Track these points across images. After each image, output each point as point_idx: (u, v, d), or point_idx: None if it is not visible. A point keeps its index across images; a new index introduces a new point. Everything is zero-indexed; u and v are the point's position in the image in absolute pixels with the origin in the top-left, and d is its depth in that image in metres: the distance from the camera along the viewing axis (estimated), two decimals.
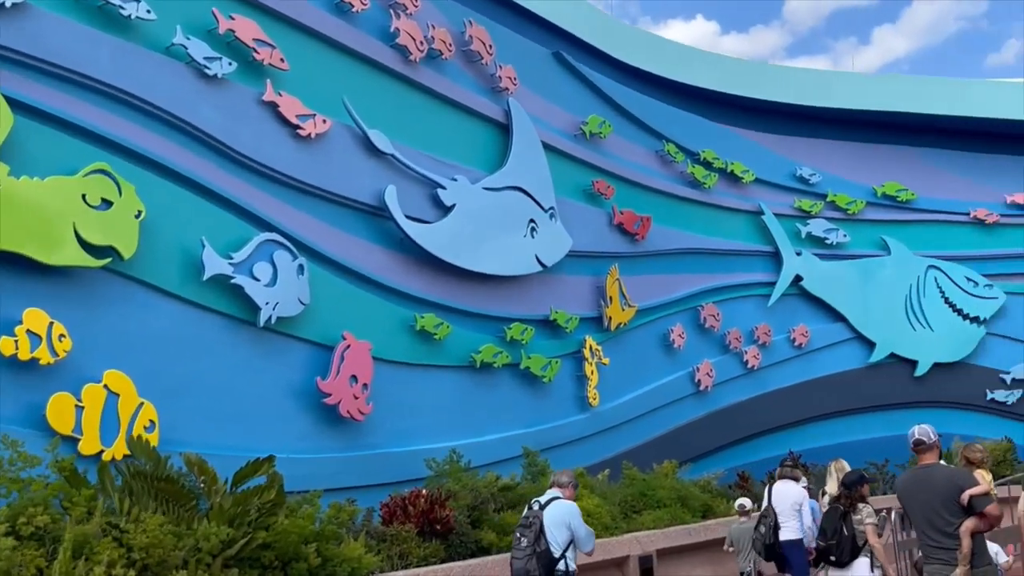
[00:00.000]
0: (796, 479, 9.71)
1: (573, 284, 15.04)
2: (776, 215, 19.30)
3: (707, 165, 18.30)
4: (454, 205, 12.68)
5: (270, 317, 10.12)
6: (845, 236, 19.91)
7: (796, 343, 19.08)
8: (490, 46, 13.85)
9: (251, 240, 10.12)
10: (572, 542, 6.41)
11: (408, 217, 12.05)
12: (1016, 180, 20.75)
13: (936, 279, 20.33)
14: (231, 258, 9.89)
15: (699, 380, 17.16)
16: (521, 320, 13.63)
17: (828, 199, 19.98)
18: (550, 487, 6.69)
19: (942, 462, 6.59)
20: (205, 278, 9.64)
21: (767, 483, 10.14)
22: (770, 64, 19.68)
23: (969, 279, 20.37)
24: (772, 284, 19.02)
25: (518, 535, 6.29)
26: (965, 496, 5.97)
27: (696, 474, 14.69)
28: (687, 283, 17.54)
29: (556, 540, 6.24)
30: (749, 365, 18.19)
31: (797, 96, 19.41)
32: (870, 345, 19.86)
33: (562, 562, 6.27)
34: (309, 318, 10.67)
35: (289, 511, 8.01)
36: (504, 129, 14.09)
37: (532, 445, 12.72)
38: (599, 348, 15.07)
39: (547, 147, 14.79)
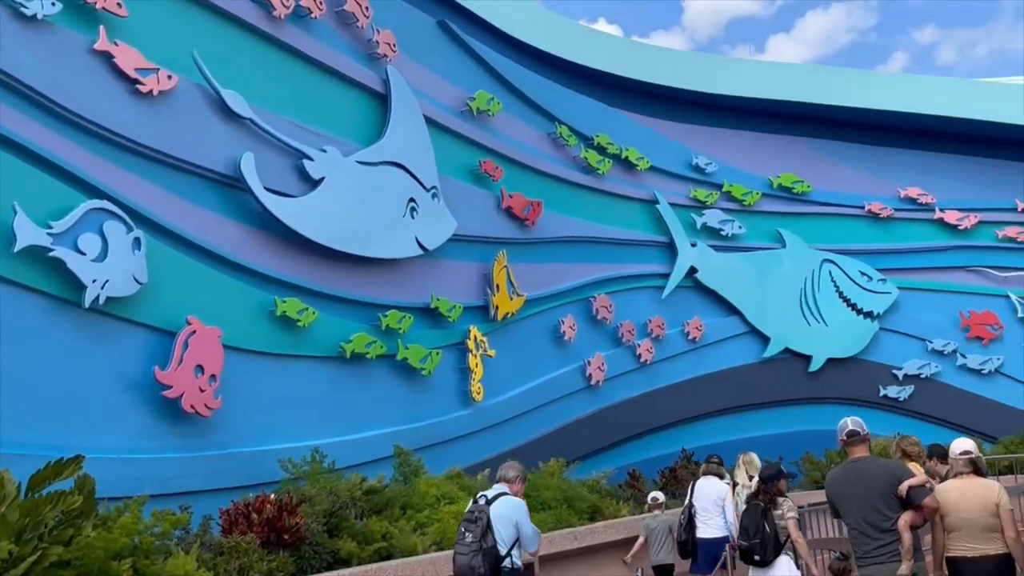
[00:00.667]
0: (721, 476, 9.62)
1: (457, 270, 14.01)
2: (671, 204, 18.64)
3: (601, 150, 17.50)
4: (322, 178, 11.48)
5: (97, 297, 8.75)
6: (740, 228, 19.39)
7: (690, 337, 18.45)
8: (366, 8, 12.69)
9: (76, 208, 8.76)
10: (518, 540, 6.32)
11: (268, 190, 10.80)
12: (910, 174, 20.60)
13: (831, 273, 20.01)
14: (50, 227, 8.51)
15: (590, 374, 16.33)
16: (398, 307, 12.51)
17: (724, 189, 19.44)
18: (496, 482, 6.48)
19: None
20: (17, 249, 8.25)
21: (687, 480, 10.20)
22: (666, 48, 19.03)
23: (863, 273, 20.11)
24: (666, 275, 18.35)
25: (462, 530, 6.15)
26: (904, 487, 5.88)
27: (585, 473, 13.84)
28: (579, 272, 16.70)
29: (503, 537, 6.13)
30: (642, 359, 17.46)
31: (693, 82, 18.80)
32: (764, 340, 19.38)
33: (508, 559, 6.17)
34: (147, 299, 9.33)
35: (101, 521, 6.74)
36: (382, 100, 12.94)
37: (409, 443, 11.64)
38: (484, 339, 14.06)
39: (430, 122, 13.71)
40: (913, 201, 20.53)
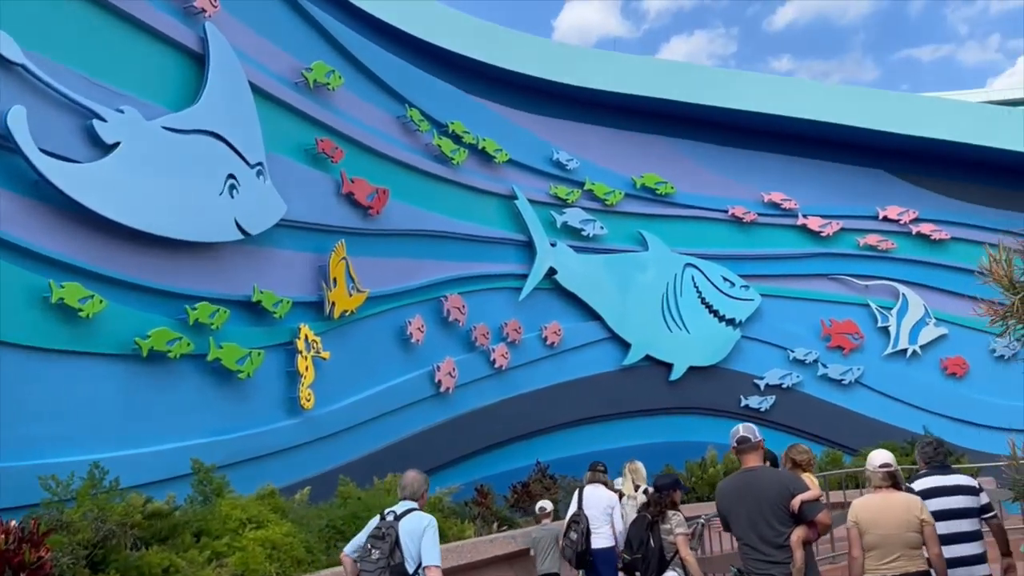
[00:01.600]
0: (607, 484, 9.50)
1: (287, 260, 12.38)
2: (530, 201, 17.49)
3: (456, 139, 16.18)
4: (117, 143, 9.70)
5: None
6: (602, 228, 18.41)
7: (548, 342, 17.29)
8: None
9: None
10: None
11: (46, 152, 8.98)
12: (774, 178, 20.09)
13: (693, 278, 19.25)
14: None
15: (439, 381, 14.93)
16: (212, 299, 10.78)
17: (586, 187, 18.43)
18: (401, 499, 6.08)
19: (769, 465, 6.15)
20: None
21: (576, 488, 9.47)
22: (529, 36, 17.91)
23: (726, 279, 19.43)
24: (524, 276, 17.16)
25: (368, 547, 5.87)
26: (796, 502, 5.55)
27: (430, 489, 12.39)
28: (429, 269, 15.30)
29: (411, 554, 5.84)
30: (497, 365, 16.18)
31: (556, 73, 17.75)
32: (625, 346, 18.43)
33: None
34: None
35: None
36: (198, 61, 11.22)
37: (220, 457, 9.96)
38: (318, 339, 12.47)
39: (258, 91, 12.08)
40: (776, 206, 20.02)
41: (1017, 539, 13.14)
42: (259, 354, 11.38)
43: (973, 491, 6.43)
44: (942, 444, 7.51)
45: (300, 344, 12.12)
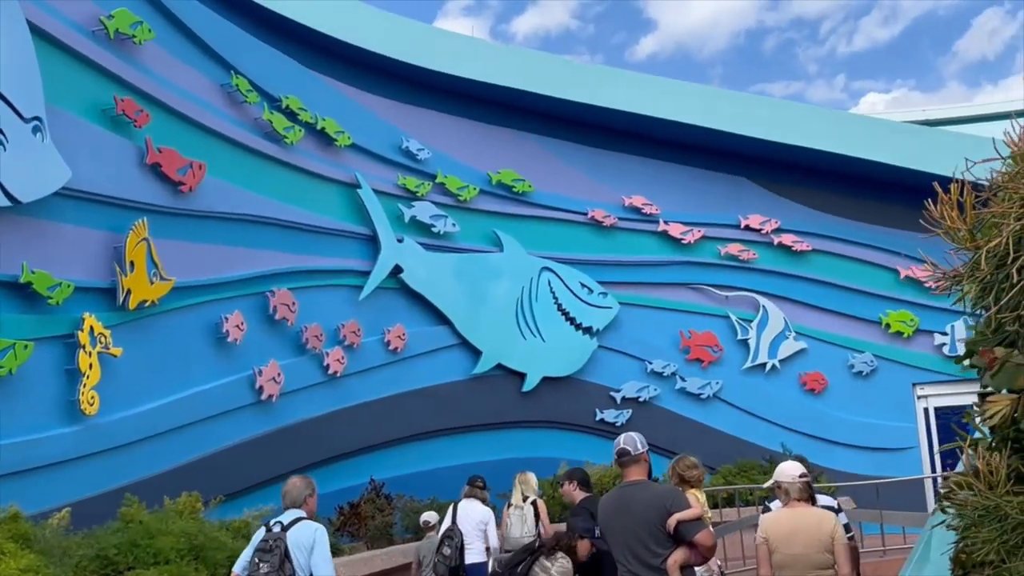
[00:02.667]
0: (484, 499, 9.50)
1: (71, 237, 10.41)
2: (376, 192, 15.89)
3: (291, 116, 14.46)
4: None
5: None
6: (455, 226, 16.97)
7: (391, 347, 15.69)
8: None
9: None
10: None
11: None
12: (635, 181, 19.11)
13: (550, 283, 18.02)
14: None
15: (261, 387, 13.12)
16: None
17: (437, 180, 16.97)
18: (286, 508, 5.94)
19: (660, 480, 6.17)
20: None
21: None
22: (378, 11, 16.33)
23: (584, 285, 18.29)
24: (366, 273, 15.53)
25: (256, 561, 5.68)
26: (672, 521, 5.22)
27: (237, 512, 10.64)
28: (254, 260, 13.50)
29: (302, 566, 5.71)
30: (331, 371, 14.47)
31: (407, 54, 16.25)
32: (476, 353, 17.00)
33: None
34: None
35: None
36: None
37: None
38: (107, 333, 10.52)
39: (41, 34, 10.12)
40: (637, 211, 19.05)
41: (877, 562, 12.40)
42: (26, 347, 9.39)
43: (832, 511, 6.20)
44: (804, 462, 7.27)
45: (83, 337, 10.14)
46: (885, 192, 19.40)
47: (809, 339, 19.26)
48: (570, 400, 17.86)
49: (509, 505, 9.84)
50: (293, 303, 13.90)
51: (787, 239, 19.42)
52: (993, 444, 3.06)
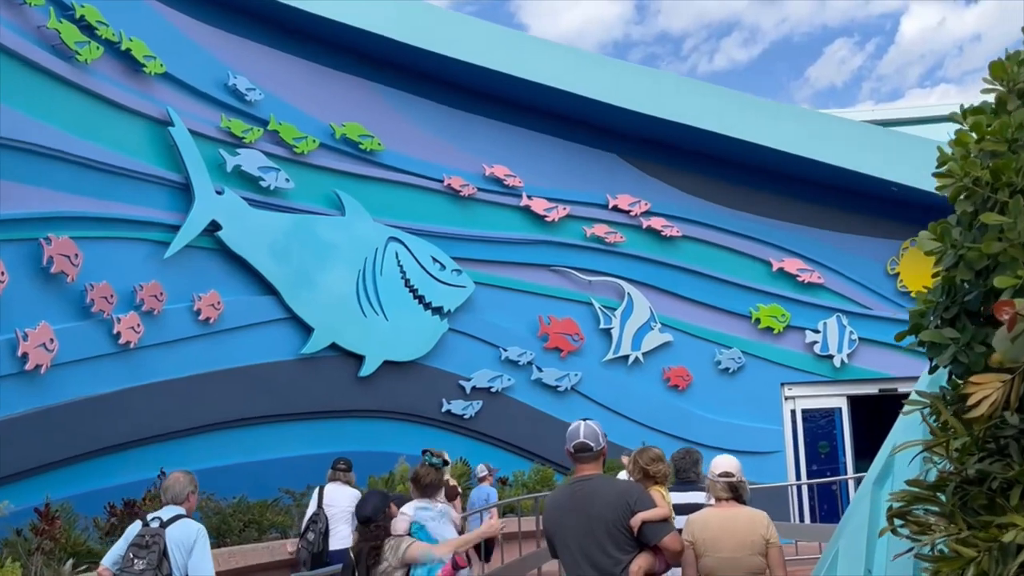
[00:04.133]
0: (350, 482, 9.20)
1: None
2: (193, 133, 13.43)
3: (87, 29, 11.91)
4: None
5: None
6: (288, 181, 14.68)
7: (202, 316, 13.26)
8: None
9: None
10: None
11: None
12: (498, 149, 17.27)
13: (398, 255, 15.94)
14: None
15: (26, 354, 10.55)
16: None
17: (270, 128, 14.63)
18: (166, 503, 5.66)
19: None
20: None
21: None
22: None
23: (436, 260, 16.29)
24: (174, 227, 13.06)
25: (131, 556, 5.39)
26: (637, 520, 4.53)
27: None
28: (27, 198, 10.91)
29: (179, 565, 5.46)
30: (123, 340, 11.95)
31: None
32: (307, 330, 14.73)
33: None
34: None
35: None
36: None
37: None
38: None
39: None
40: (499, 182, 17.20)
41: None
42: None
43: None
44: (691, 454, 6.87)
45: None
46: (761, 179, 18.23)
47: (675, 331, 17.86)
48: (414, 388, 15.83)
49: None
50: (76, 255, 11.35)
51: (657, 223, 17.96)
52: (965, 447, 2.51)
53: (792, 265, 18.10)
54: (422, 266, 16.13)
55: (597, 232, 17.67)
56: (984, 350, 5.61)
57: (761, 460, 17.23)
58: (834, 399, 18.08)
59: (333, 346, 15.03)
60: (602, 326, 17.51)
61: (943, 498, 4.66)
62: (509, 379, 16.68)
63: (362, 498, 6.15)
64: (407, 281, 15.94)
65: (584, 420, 4.87)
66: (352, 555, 5.76)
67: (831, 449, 18.04)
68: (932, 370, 6.35)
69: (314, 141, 15.14)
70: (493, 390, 16.53)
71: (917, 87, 75.97)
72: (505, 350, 16.77)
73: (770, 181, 18.17)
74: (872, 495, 5.89)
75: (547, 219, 17.37)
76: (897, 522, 5.34)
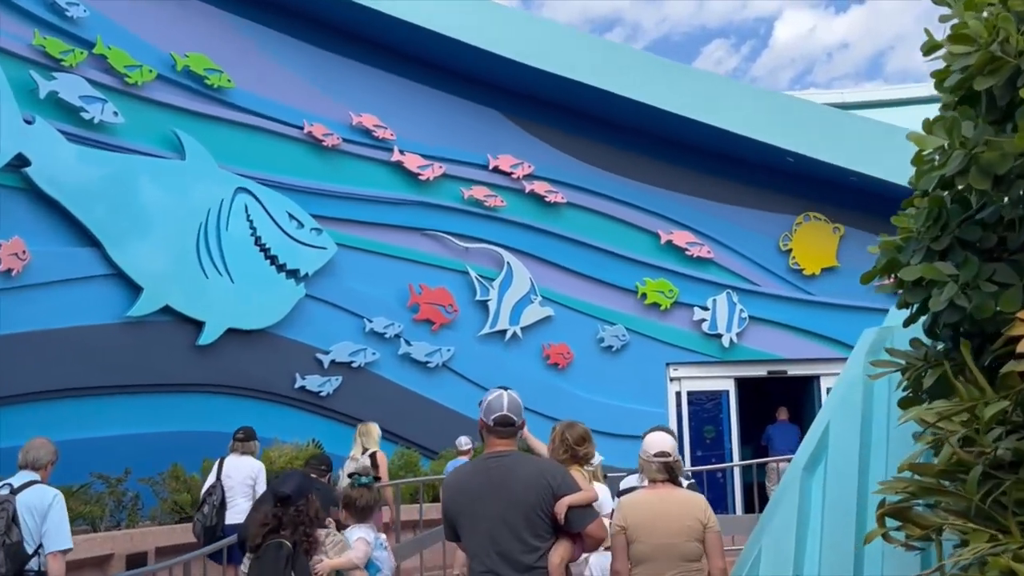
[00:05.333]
0: (252, 452, 9.04)
1: None
2: None
3: None
4: None
5: None
6: (117, 115, 12.58)
7: (2, 267, 11.11)
8: None
9: None
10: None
11: None
12: (367, 97, 15.49)
13: (247, 208, 14.00)
14: None
15: None
16: None
17: (96, 51, 12.51)
18: (21, 467, 5.55)
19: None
20: None
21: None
22: None
23: (293, 217, 14.42)
24: None
25: None
26: (563, 506, 4.13)
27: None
28: None
29: (31, 532, 5.34)
30: None
31: None
32: (135, 290, 12.68)
33: (35, 559, 5.42)
34: None
35: None
36: None
37: None
38: None
39: None
40: (368, 133, 15.41)
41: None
42: None
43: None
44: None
45: None
46: (651, 145, 17.00)
47: (556, 305, 16.46)
48: (263, 361, 13.94)
49: (351, 460, 9.63)
50: None
51: (540, 187, 16.50)
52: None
53: (681, 238, 16.95)
54: (276, 223, 14.23)
55: (476, 195, 16.09)
56: (995, 290, 3.79)
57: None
58: (721, 381, 17.03)
59: (167, 309, 13.01)
60: (478, 297, 15.95)
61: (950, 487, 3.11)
62: (373, 353, 14.95)
63: (283, 475, 5.92)
64: (258, 239, 14.02)
65: (504, 389, 4.53)
66: (249, 529, 5.32)
67: (716, 434, 17.01)
68: (910, 320, 4.73)
69: (150, 71, 13.07)
70: (355, 365, 14.78)
71: (788, 90, 77.41)
72: (370, 321, 15.03)
73: (661, 148, 16.97)
74: (802, 484, 5.13)
75: (421, 177, 15.69)
76: (890, 523, 3.87)
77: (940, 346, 4.23)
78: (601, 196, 16.83)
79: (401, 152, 15.58)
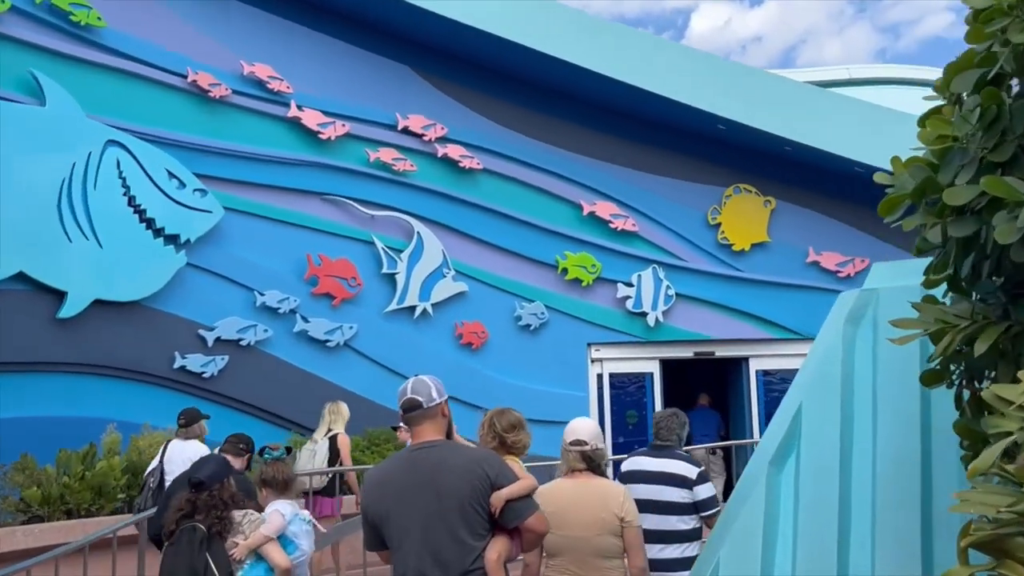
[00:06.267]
0: (199, 435, 8.58)
1: None
2: None
3: None
4: None
5: None
6: None
7: None
8: None
9: None
10: None
11: None
12: (261, 45, 13.91)
13: (119, 163, 12.33)
14: None
15: None
16: None
17: None
18: None
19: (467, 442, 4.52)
20: None
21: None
22: None
23: (173, 176, 12.80)
24: None
25: None
26: (500, 498, 3.77)
27: None
28: None
29: None
30: None
31: None
32: None
33: None
34: None
35: None
36: None
37: None
38: None
39: None
40: (261, 85, 13.83)
41: None
42: None
43: (681, 482, 5.46)
44: (674, 416, 6.09)
45: None
46: (574, 109, 15.81)
47: (470, 280, 15.15)
48: (136, 337, 12.32)
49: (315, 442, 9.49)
50: None
51: (454, 151, 15.14)
52: None
53: (605, 209, 15.79)
54: (153, 181, 12.58)
55: (383, 157, 14.65)
56: None
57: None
58: (646, 363, 15.96)
59: (21, 276, 11.31)
60: (385, 270, 14.53)
61: None
62: (265, 330, 13.43)
63: (199, 460, 5.73)
64: (131, 199, 12.36)
65: (415, 377, 4.19)
66: (165, 517, 5.19)
67: (640, 419, 15.94)
68: (938, 268, 3.67)
69: (3, 2, 11.29)
70: (244, 343, 13.24)
71: None
72: (261, 294, 13.49)
73: (585, 112, 15.78)
74: (769, 480, 4.27)
75: (321, 136, 14.17)
76: (976, 556, 2.40)
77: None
78: (520, 163, 15.56)
79: (299, 107, 14.04)
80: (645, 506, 5.23)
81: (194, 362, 12.79)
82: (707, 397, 16.11)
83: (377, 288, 14.51)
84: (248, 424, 12.82)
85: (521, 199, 15.52)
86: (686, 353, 16.09)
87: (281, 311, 13.62)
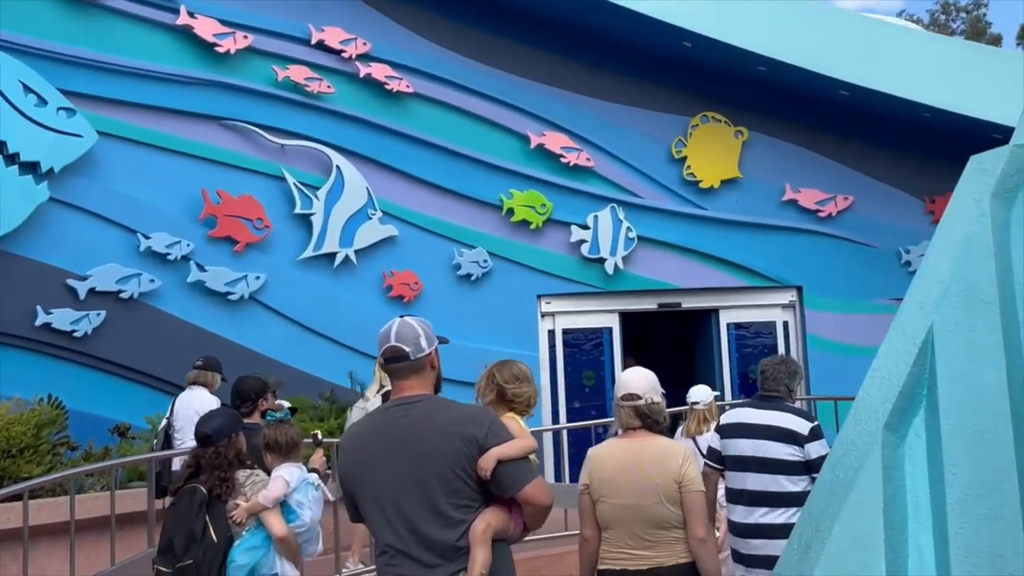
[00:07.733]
0: (208, 384, 8.05)
1: None
2: None
3: None
4: None
5: None
6: None
7: None
8: None
9: None
10: None
11: None
12: None
13: None
14: None
15: None
16: None
17: None
18: None
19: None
20: None
21: None
22: None
23: (31, 90, 10.51)
24: None
25: None
26: (489, 459, 3.16)
27: None
28: None
29: None
30: None
31: None
32: None
33: None
34: None
35: None
36: None
37: None
38: None
39: None
40: None
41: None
42: None
43: (791, 437, 4.91)
44: (783, 364, 5.48)
45: None
46: (520, 27, 13.72)
47: (401, 223, 13.03)
48: None
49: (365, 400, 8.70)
50: None
51: (379, 72, 12.95)
52: None
53: (555, 141, 13.76)
54: (5, 97, 10.26)
55: (293, 76, 12.42)
56: None
57: None
58: (603, 316, 14.03)
59: None
60: (298, 210, 12.36)
61: None
62: (151, 280, 11.21)
63: (207, 413, 5.47)
64: None
65: (399, 319, 3.50)
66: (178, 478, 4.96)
67: (597, 381, 14.05)
68: None
69: None
70: (124, 295, 11.02)
71: None
72: (147, 237, 11.26)
73: (532, 30, 13.71)
74: (884, 448, 2.67)
75: (218, 49, 11.90)
76: None
77: None
78: (458, 87, 13.41)
79: (191, 15, 11.75)
80: (747, 463, 4.96)
81: (62, 318, 10.55)
82: (632, 360, 14.22)
83: (289, 231, 12.33)
84: (129, 391, 10.73)
85: (459, 129, 13.40)
86: (649, 305, 14.19)
87: (171, 257, 11.39)
